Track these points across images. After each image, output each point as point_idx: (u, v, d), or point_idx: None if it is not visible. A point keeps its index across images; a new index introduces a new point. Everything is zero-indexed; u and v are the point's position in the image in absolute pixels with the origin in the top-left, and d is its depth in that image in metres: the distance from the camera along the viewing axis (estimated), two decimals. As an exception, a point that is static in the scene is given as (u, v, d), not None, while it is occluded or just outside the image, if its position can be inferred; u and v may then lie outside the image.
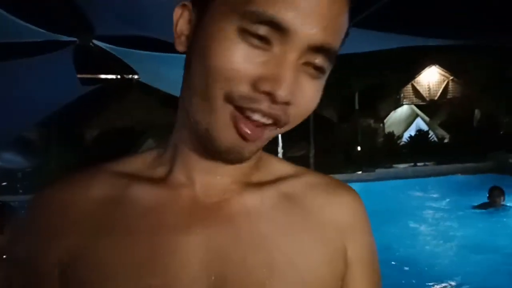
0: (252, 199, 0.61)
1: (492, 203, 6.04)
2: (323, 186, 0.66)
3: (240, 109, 0.50)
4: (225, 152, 0.53)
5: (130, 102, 12.14)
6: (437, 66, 15.72)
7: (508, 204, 6.10)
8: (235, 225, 0.58)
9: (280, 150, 9.31)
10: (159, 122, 11.12)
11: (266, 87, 0.49)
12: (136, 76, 6.13)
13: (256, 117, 0.50)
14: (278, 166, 0.67)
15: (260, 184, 0.63)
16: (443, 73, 15.81)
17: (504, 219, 5.89)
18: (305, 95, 0.52)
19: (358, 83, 13.26)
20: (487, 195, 6.09)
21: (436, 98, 15.48)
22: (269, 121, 0.51)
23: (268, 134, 0.54)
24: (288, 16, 0.48)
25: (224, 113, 0.51)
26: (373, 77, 13.70)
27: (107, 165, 0.63)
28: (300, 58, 0.50)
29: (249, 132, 0.51)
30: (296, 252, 0.58)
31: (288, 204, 0.62)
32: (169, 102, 10.85)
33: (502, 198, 5.97)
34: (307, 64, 0.51)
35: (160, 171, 0.62)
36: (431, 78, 15.92)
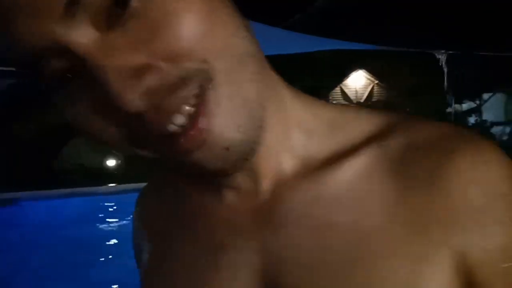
0: (313, 189, 0.42)
1: None
2: (427, 149, 0.39)
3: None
4: (217, 174, 0.39)
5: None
6: (363, 70, 16.58)
7: None
8: (284, 232, 0.42)
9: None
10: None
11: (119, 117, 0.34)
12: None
13: (172, 128, 0.35)
14: (363, 125, 0.44)
15: (329, 162, 0.42)
16: (369, 77, 16.71)
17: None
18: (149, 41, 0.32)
19: (292, 86, 13.57)
20: None
21: (362, 100, 16.31)
22: (183, 117, 0.35)
23: (208, 109, 0.35)
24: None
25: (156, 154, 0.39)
26: (306, 80, 14.10)
27: None
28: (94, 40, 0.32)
29: (187, 144, 0.35)
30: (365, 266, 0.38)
31: (359, 190, 0.40)
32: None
33: None
34: (105, 20, 0.32)
35: None
36: (358, 81, 16.78)
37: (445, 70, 12.42)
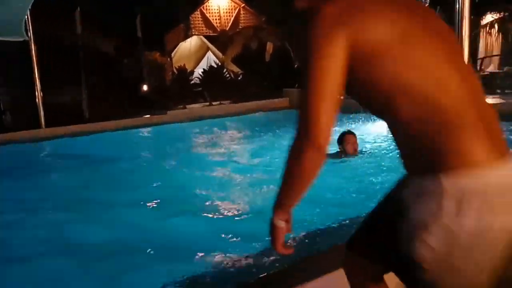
0: None
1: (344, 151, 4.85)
2: None
3: None
4: None
5: None
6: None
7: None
8: None
9: (39, 95, 8.44)
10: None
11: None
12: None
13: None
14: None
15: None
16: (233, -1, 14.94)
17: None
18: None
19: (140, 9, 11.61)
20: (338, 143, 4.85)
21: (227, 28, 14.52)
22: None
23: None
24: None
25: None
26: (157, 1, 12.13)
27: None
28: None
29: None
30: None
31: None
32: None
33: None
34: None
35: None
36: (221, 3, 14.78)
37: None
